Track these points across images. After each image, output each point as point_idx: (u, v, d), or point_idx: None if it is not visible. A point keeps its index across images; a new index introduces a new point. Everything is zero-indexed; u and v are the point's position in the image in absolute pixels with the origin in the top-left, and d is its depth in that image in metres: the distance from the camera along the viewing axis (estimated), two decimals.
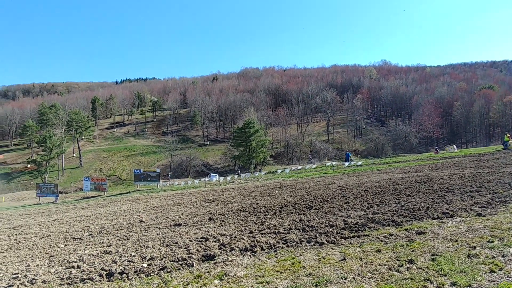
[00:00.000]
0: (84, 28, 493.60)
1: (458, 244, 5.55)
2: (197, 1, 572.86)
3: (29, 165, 77.85)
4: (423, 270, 4.59)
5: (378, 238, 6.42)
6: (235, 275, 5.17)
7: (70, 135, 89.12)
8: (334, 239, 6.65)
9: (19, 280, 6.10)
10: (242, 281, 4.94)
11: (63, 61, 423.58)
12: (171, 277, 5.41)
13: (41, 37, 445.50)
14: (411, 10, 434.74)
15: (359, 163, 41.88)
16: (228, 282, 4.96)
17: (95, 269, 6.28)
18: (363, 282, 4.43)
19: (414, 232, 6.55)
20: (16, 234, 12.87)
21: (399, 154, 70.01)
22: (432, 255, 5.11)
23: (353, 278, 4.59)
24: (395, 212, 8.51)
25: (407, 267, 4.73)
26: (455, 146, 52.91)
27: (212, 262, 6.04)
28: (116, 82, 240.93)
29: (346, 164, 38.72)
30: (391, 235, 6.53)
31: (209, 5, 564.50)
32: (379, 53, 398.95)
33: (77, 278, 5.81)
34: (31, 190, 57.88)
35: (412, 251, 5.40)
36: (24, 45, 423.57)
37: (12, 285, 5.79)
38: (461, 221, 7.07)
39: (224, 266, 5.69)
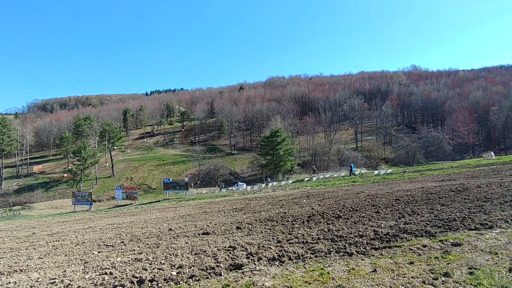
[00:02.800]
0: (117, 43, 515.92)
1: (498, 257, 5.25)
2: (224, 14, 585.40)
3: (65, 175, 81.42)
4: (459, 284, 4.37)
5: (411, 249, 6.19)
6: (263, 285, 5.13)
7: (103, 146, 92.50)
8: (364, 250, 6.47)
9: (56, 285, 6.36)
10: None
11: (97, 74, 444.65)
12: (199, 286, 5.45)
13: (77, 52, 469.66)
14: (441, 14, 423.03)
15: (389, 171, 40.73)
16: None
17: (126, 276, 6.43)
18: None
19: (449, 243, 6.26)
20: (53, 241, 13.45)
21: (431, 162, 67.54)
22: (470, 268, 4.86)
23: None
24: (428, 223, 8.18)
25: (443, 281, 4.52)
26: (492, 153, 50.35)
27: (240, 271, 6.04)
28: (146, 94, 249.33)
29: (355, 173, 38.91)
30: (424, 246, 6.28)
31: (236, 17, 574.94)
32: (408, 58, 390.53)
33: (109, 285, 5.97)
34: (67, 199, 60.39)
35: (448, 263, 5.16)
36: (61, 61, 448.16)
37: None
38: (501, 233, 6.69)
39: (252, 276, 5.67)
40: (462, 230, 7.22)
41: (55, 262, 8.94)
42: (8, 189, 78.45)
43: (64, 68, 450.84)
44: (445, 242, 6.37)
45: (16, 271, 8.25)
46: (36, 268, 8.41)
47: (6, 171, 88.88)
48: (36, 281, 6.89)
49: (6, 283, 7.05)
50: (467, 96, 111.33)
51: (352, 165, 48.25)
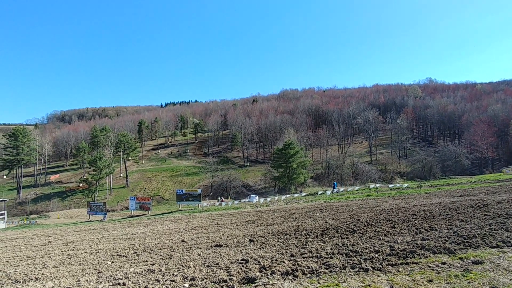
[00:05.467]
0: (133, 56, 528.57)
1: None
2: (237, 26, 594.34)
3: (81, 184, 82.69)
4: None
5: (429, 266, 5.99)
6: None
7: (118, 156, 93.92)
8: (380, 266, 6.30)
9: None
10: None
11: (114, 86, 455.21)
12: None
13: (95, 66, 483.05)
14: (457, 26, 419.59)
15: (405, 185, 39.99)
16: None
17: (139, 287, 6.42)
18: None
19: (470, 261, 6.04)
20: (68, 250, 13.59)
21: (449, 176, 66.05)
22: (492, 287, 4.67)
23: None
24: (447, 239, 7.94)
25: None
26: None
27: (253, 285, 5.95)
28: (161, 106, 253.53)
29: (329, 192, 39.00)
30: (443, 263, 6.07)
31: (249, 30, 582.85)
32: (424, 71, 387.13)
33: None
34: (82, 208, 61.26)
35: (469, 282, 4.97)
36: (80, 73, 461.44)
37: None
38: None
39: None
40: (483, 247, 6.97)
41: (70, 271, 9.01)
42: (26, 198, 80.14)
43: (83, 81, 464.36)
44: (465, 260, 6.15)
45: (32, 279, 8.34)
46: (51, 276, 8.48)
47: (25, 180, 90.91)
48: None
49: None
50: (485, 109, 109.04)
51: (335, 182, 47.96)
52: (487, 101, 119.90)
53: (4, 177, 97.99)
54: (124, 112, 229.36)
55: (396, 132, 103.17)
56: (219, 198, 59.95)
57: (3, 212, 43.07)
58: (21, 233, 27.17)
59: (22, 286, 7.75)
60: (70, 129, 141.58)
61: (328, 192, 39.68)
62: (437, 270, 5.72)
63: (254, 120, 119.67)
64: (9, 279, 8.67)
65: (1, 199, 48.59)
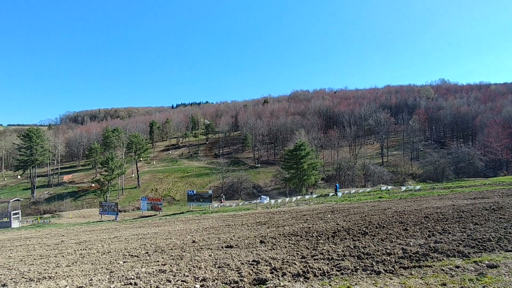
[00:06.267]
0: (145, 58, 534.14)
1: None
2: (249, 28, 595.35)
3: (93, 184, 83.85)
4: None
5: (443, 269, 5.91)
6: None
7: (130, 157, 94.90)
8: (393, 269, 6.24)
9: None
10: None
11: (126, 88, 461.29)
12: None
13: (107, 67, 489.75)
14: (470, 26, 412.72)
15: (417, 187, 39.46)
16: None
17: (150, 287, 6.49)
18: None
19: (484, 265, 5.94)
20: (81, 249, 13.81)
21: (462, 179, 64.89)
22: None
23: None
24: (460, 242, 7.82)
25: None
26: None
27: (264, 286, 5.96)
28: (172, 107, 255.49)
29: (338, 194, 39.02)
30: (457, 267, 5.98)
31: (260, 31, 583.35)
32: (436, 71, 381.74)
33: None
34: (95, 208, 62.05)
35: (484, 286, 4.89)
36: (92, 75, 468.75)
37: None
38: None
39: None
40: (498, 251, 6.85)
41: (82, 270, 9.15)
42: (39, 198, 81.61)
43: (95, 82, 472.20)
44: (479, 264, 6.05)
45: (45, 278, 8.49)
46: (64, 275, 8.63)
47: (39, 180, 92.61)
48: None
49: None
50: (500, 110, 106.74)
51: (337, 184, 47.59)
52: (501, 102, 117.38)
53: (19, 177, 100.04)
54: (136, 113, 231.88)
55: (408, 134, 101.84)
56: (221, 198, 59.78)
57: (17, 211, 43.92)
58: (35, 232, 27.68)
59: (36, 284, 7.89)
60: (82, 130, 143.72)
61: (340, 194, 39.43)
62: (450, 274, 5.65)
63: (265, 121, 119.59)
64: (23, 277, 8.85)
65: (16, 199, 49.53)
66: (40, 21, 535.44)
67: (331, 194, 41.67)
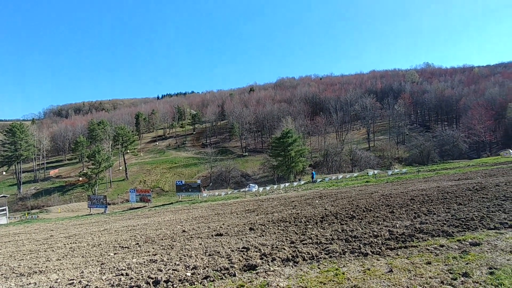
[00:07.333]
0: (128, 48, 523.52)
1: None
2: (233, 16, 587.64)
3: (81, 178, 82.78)
4: (480, 284, 4.26)
5: (428, 249, 6.06)
6: (278, 285, 5.10)
7: (117, 149, 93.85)
8: (380, 250, 6.38)
9: (74, 286, 6.47)
10: None
11: (110, 79, 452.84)
12: (214, 286, 5.45)
13: (90, 59, 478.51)
14: (454, 9, 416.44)
15: (403, 170, 40.17)
16: None
17: (142, 277, 6.49)
18: None
19: (468, 243, 6.12)
20: (71, 243, 13.68)
21: (447, 161, 66.37)
22: (490, 268, 4.73)
23: None
24: (445, 222, 8.02)
25: (462, 281, 4.42)
26: (511, 151, 49.10)
27: (254, 272, 6.02)
28: (158, 98, 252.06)
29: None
30: (441, 246, 6.14)
31: (244, 19, 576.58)
32: (421, 56, 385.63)
33: (126, 285, 6.03)
34: (83, 202, 61.42)
35: (467, 263, 5.04)
36: (75, 67, 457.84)
37: None
38: None
39: (266, 276, 5.64)
40: (481, 229, 7.05)
41: (73, 263, 9.09)
42: (26, 193, 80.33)
43: (78, 74, 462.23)
44: (463, 242, 6.22)
45: (36, 272, 8.42)
46: (54, 269, 8.56)
47: (24, 176, 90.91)
48: (55, 282, 7.02)
49: (27, 284, 7.20)
50: (483, 92, 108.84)
51: (313, 172, 48.54)
52: (484, 85, 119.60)
53: (4, 173, 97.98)
54: (121, 105, 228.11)
55: (394, 118, 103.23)
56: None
57: (4, 207, 43.09)
58: (23, 228, 27.27)
59: (27, 279, 7.82)
60: (67, 123, 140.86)
61: (327, 180, 39.87)
62: (435, 253, 5.80)
63: (252, 109, 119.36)
64: (13, 272, 8.75)
65: (2, 195, 48.54)
66: (20, 13, 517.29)
67: (319, 180, 42.11)
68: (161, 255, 8.49)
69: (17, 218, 45.88)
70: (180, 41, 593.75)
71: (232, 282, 5.59)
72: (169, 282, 5.89)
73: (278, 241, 8.45)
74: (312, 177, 43.09)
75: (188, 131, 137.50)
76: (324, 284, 4.94)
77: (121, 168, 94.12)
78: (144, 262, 7.94)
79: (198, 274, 6.20)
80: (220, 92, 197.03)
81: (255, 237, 9.49)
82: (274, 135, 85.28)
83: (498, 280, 4.29)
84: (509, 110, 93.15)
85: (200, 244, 9.50)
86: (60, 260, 9.98)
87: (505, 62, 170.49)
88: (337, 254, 6.52)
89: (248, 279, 5.64)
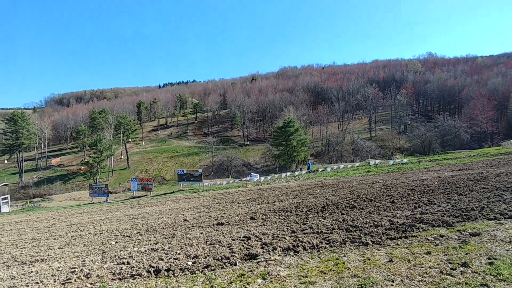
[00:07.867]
0: (130, 37, 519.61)
1: None
2: (235, 5, 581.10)
3: (82, 167, 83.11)
4: (479, 274, 4.29)
5: (428, 239, 6.10)
6: (278, 274, 5.14)
7: (118, 138, 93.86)
8: (380, 240, 6.41)
9: (76, 274, 6.53)
10: (285, 280, 4.90)
11: (111, 68, 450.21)
12: (215, 275, 5.50)
13: (92, 47, 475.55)
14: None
15: (405, 160, 40.18)
16: (271, 281, 4.94)
17: (143, 265, 6.55)
18: (412, 285, 4.23)
19: (467, 233, 6.14)
20: (72, 231, 13.80)
21: (448, 151, 66.28)
22: (489, 258, 4.76)
23: (401, 280, 4.40)
24: (445, 212, 8.04)
25: (461, 271, 4.45)
26: None
27: (255, 261, 6.07)
28: (159, 86, 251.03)
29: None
30: (441, 236, 6.17)
31: (247, 8, 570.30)
32: (424, 45, 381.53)
33: (127, 274, 6.10)
34: (85, 190, 61.74)
35: (466, 253, 5.07)
36: (77, 56, 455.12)
37: (70, 279, 6.20)
38: None
39: (266, 266, 5.69)
40: (481, 220, 7.07)
41: (75, 252, 9.18)
42: (28, 182, 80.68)
43: (80, 63, 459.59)
44: (463, 232, 6.25)
45: (38, 261, 8.51)
46: (56, 257, 8.65)
47: (26, 164, 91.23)
48: (57, 270, 7.10)
49: (29, 272, 7.28)
50: (485, 83, 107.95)
51: (309, 162, 48.44)
52: (487, 75, 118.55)
53: (6, 161, 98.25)
54: (122, 93, 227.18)
55: (396, 108, 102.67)
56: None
57: (6, 196, 43.41)
58: (25, 216, 27.51)
59: (29, 267, 7.90)
60: (68, 112, 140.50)
61: (329, 169, 39.90)
62: (435, 243, 5.83)
63: (254, 98, 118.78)
64: (15, 261, 8.85)
65: (4, 184, 48.93)
66: (20, 3, 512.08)
67: (320, 169, 42.17)
68: (163, 244, 8.57)
69: (19, 207, 46.22)
70: (182, 30, 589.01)
71: (233, 271, 5.65)
72: (170, 271, 5.95)
73: (279, 230, 8.50)
74: (308, 168, 43.03)
75: (189, 120, 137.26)
76: (325, 273, 4.98)
77: (122, 157, 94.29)
78: (146, 251, 8.01)
79: (199, 263, 6.26)
80: (222, 81, 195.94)
81: (256, 227, 9.55)
82: (276, 125, 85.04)
83: (497, 270, 4.31)
84: None
85: (201, 233, 9.57)
86: (61, 248, 10.09)
87: (508, 52, 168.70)
88: (337, 243, 6.56)
89: (249, 268, 5.69)
